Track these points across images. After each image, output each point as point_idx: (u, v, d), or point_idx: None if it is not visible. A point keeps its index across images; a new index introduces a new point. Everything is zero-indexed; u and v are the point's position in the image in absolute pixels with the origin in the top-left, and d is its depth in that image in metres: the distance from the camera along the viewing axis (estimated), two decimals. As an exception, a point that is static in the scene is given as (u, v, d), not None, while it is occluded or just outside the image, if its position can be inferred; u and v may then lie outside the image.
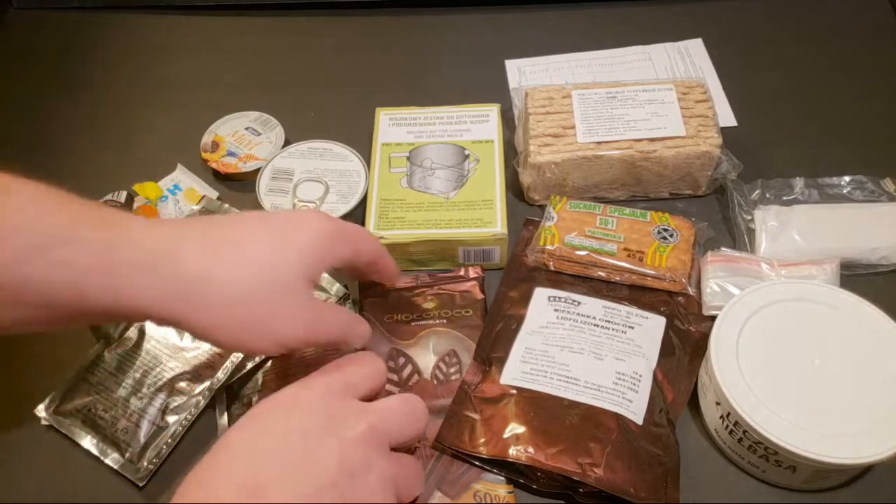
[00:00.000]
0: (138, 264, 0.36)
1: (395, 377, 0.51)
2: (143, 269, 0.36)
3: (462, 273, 0.56)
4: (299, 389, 0.40)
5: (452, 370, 0.51)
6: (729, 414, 0.45)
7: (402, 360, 0.51)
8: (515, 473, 0.47)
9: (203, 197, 0.63)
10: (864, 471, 0.47)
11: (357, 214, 0.59)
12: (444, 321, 0.53)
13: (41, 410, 0.51)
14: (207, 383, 0.51)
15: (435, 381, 0.50)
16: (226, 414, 0.51)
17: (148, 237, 0.37)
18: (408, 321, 0.53)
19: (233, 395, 0.51)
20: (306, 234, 0.40)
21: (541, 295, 0.54)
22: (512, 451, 0.45)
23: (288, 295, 0.39)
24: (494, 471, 0.47)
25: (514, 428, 0.46)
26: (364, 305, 0.54)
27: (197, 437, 0.50)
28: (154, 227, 0.38)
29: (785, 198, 0.60)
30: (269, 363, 0.52)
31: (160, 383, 0.51)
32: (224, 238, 0.39)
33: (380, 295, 0.55)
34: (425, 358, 0.51)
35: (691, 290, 0.54)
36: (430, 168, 0.59)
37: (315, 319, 0.41)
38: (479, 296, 0.55)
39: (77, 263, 0.35)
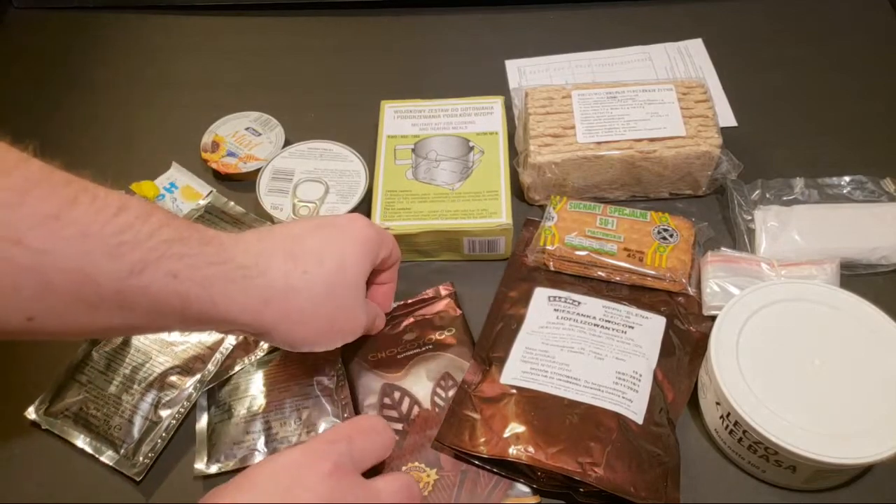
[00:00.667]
0: (232, 278, 0.40)
1: (394, 413, 0.49)
2: (236, 282, 0.40)
3: (432, 294, 0.55)
4: (304, 460, 0.39)
5: (451, 393, 0.50)
6: (729, 414, 0.45)
7: (397, 395, 0.50)
8: (515, 473, 0.47)
9: (211, 192, 0.63)
10: (864, 471, 0.47)
11: (360, 209, 0.60)
12: (430, 347, 0.52)
13: (31, 412, 0.51)
14: (198, 376, 0.51)
15: (436, 409, 0.49)
16: (206, 416, 0.51)
17: (238, 252, 0.41)
18: (393, 355, 0.52)
19: (213, 398, 0.51)
20: (359, 239, 0.45)
21: (541, 295, 0.54)
22: (512, 451, 0.45)
23: (357, 294, 0.45)
24: (494, 470, 0.47)
25: (515, 427, 0.46)
26: (345, 350, 0.52)
27: (191, 430, 0.50)
28: (240, 242, 0.42)
29: (785, 198, 0.60)
30: (258, 372, 0.52)
31: (151, 378, 0.51)
32: (299, 249, 0.43)
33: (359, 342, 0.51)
34: (421, 387, 0.50)
35: (691, 290, 0.54)
36: (435, 160, 0.60)
37: (372, 310, 0.49)
38: (456, 312, 0.54)
39: (182, 276, 0.38)
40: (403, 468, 0.47)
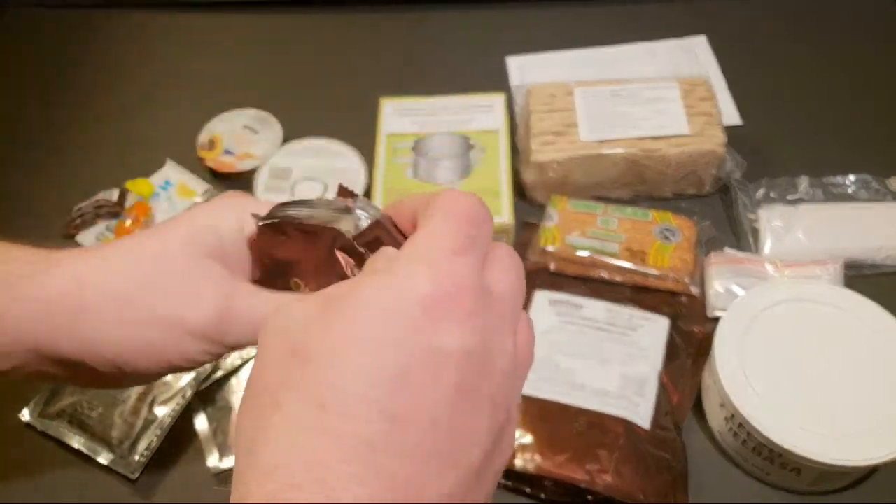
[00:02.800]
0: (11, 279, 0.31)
1: None
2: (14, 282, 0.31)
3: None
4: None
5: None
6: (733, 416, 0.45)
7: None
8: (523, 483, 0.46)
9: (207, 190, 0.62)
10: (869, 472, 0.46)
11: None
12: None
13: (26, 415, 0.50)
14: (193, 374, 0.51)
15: None
16: (203, 415, 0.51)
17: (29, 257, 0.32)
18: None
19: (206, 399, 0.51)
20: (191, 212, 0.34)
21: (541, 298, 0.54)
22: (519, 461, 0.45)
23: (182, 272, 0.32)
24: (501, 481, 0.46)
25: (521, 437, 0.46)
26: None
27: (186, 428, 0.50)
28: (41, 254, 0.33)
29: (789, 197, 0.60)
30: (249, 365, 0.51)
31: None
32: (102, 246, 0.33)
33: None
34: None
35: (694, 290, 0.54)
36: (435, 158, 0.59)
37: (227, 300, 0.32)
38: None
39: None
40: None
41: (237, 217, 0.34)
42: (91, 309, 0.31)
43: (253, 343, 0.32)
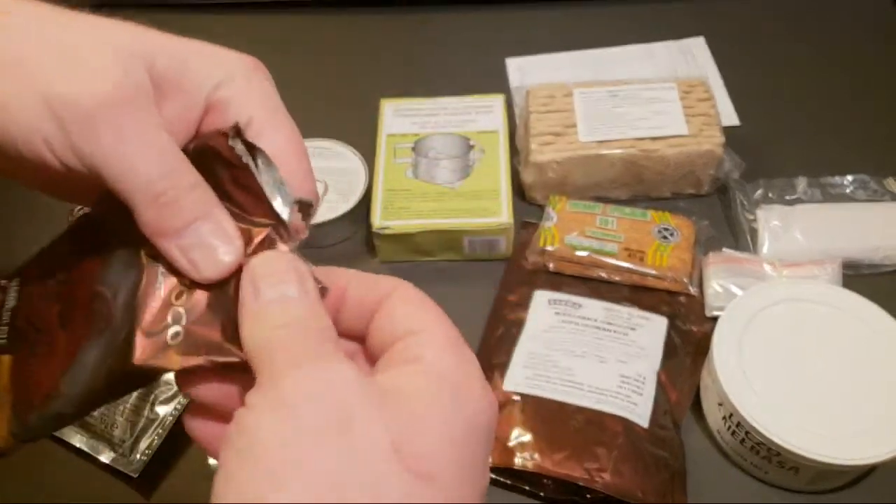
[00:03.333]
0: None
1: None
2: None
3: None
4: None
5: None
6: (731, 415, 0.45)
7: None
8: (522, 481, 0.46)
9: None
10: (867, 472, 0.47)
11: (360, 207, 0.59)
12: None
13: None
14: None
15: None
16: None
17: None
18: None
19: None
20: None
21: (541, 298, 0.54)
22: (518, 460, 0.45)
23: (96, 52, 0.24)
24: (501, 479, 0.46)
25: (520, 435, 0.46)
26: None
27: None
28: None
29: (787, 197, 0.60)
30: None
31: None
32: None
33: None
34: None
35: (692, 290, 0.54)
36: (435, 158, 0.59)
37: (135, 89, 0.24)
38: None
39: None
40: None
41: (238, 84, 0.27)
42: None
43: (111, 172, 0.23)
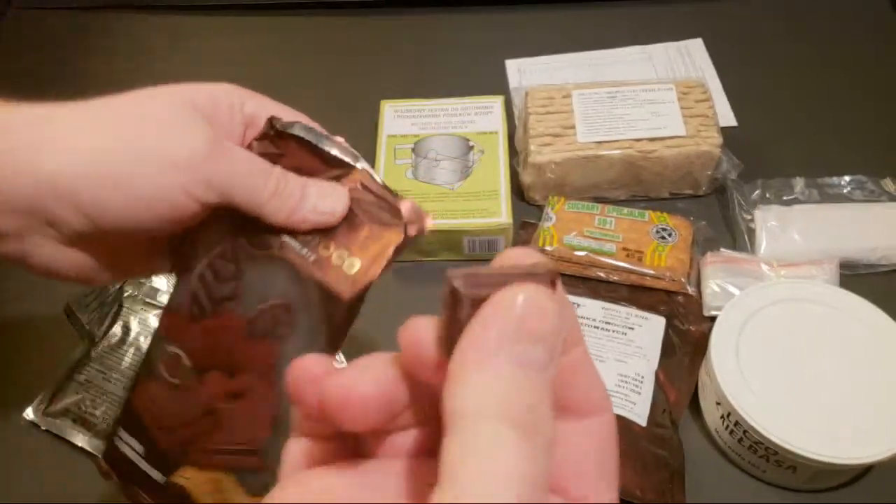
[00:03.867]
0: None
1: (212, 285, 0.35)
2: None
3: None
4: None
5: (278, 330, 0.33)
6: (729, 414, 0.45)
7: (230, 269, 0.34)
8: None
9: None
10: (864, 471, 0.47)
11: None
12: (313, 258, 0.32)
13: (30, 413, 0.51)
14: None
15: (248, 329, 0.33)
16: None
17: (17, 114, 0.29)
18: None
19: None
20: (178, 87, 0.32)
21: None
22: None
23: (179, 108, 0.30)
24: None
25: None
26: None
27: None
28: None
29: (785, 197, 0.60)
30: None
31: None
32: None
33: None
34: (257, 290, 0.33)
35: (690, 290, 0.54)
36: (434, 159, 0.59)
37: (218, 139, 0.30)
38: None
39: None
40: (172, 346, 0.35)
41: (244, 96, 0.34)
42: (59, 138, 0.28)
43: (238, 193, 0.30)
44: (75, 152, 0.28)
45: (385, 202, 0.33)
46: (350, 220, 0.32)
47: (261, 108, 0.34)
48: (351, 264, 0.32)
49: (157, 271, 0.35)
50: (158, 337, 0.35)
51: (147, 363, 0.35)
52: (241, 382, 0.33)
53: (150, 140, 0.29)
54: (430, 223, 0.33)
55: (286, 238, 0.32)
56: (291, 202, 0.31)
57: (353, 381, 0.19)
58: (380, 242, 0.32)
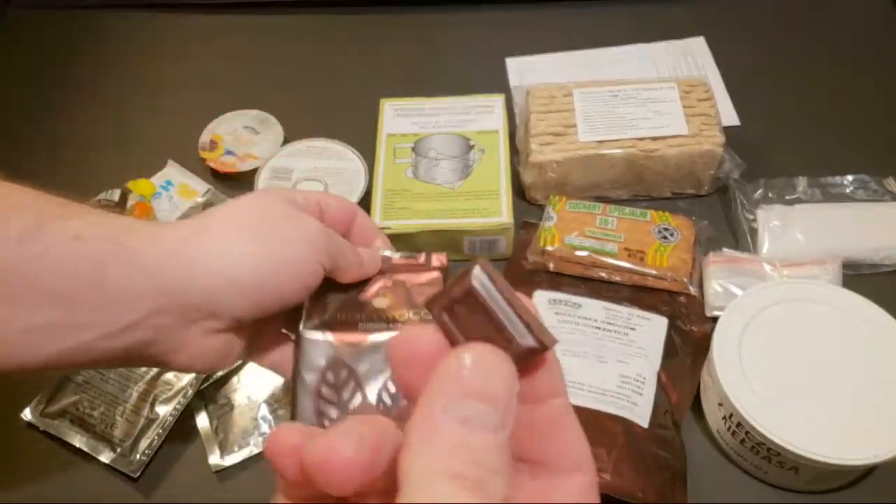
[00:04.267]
0: (144, 231, 0.34)
1: (332, 395, 0.39)
2: (147, 233, 0.34)
3: (422, 260, 0.43)
4: None
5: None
6: (731, 415, 0.45)
7: (343, 374, 0.39)
8: None
9: (209, 189, 0.63)
10: (866, 472, 0.47)
11: (361, 208, 0.59)
12: (400, 326, 0.41)
13: (28, 414, 0.51)
14: (193, 374, 0.51)
15: (380, 406, 0.38)
16: (204, 413, 0.51)
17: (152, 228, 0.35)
18: (354, 323, 0.40)
19: (208, 396, 0.52)
20: (264, 192, 0.40)
21: (541, 298, 0.54)
22: None
23: (294, 215, 0.37)
24: None
25: None
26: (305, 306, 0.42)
27: (187, 427, 0.50)
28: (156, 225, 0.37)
29: (788, 197, 0.60)
30: (246, 366, 0.52)
31: (147, 377, 0.51)
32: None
33: (323, 287, 0.40)
34: (373, 376, 0.39)
35: (693, 290, 0.54)
36: (435, 158, 0.59)
37: (320, 231, 0.38)
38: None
39: (90, 236, 0.31)
40: None
41: (309, 195, 0.41)
42: (217, 242, 0.35)
43: (342, 260, 0.39)
44: (238, 256, 0.35)
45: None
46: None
47: (322, 201, 0.41)
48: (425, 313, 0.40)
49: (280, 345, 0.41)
50: None
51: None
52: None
53: (288, 230, 0.37)
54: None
55: (366, 324, 0.40)
56: (373, 265, 0.42)
57: (334, 445, 0.19)
58: (433, 287, 0.42)
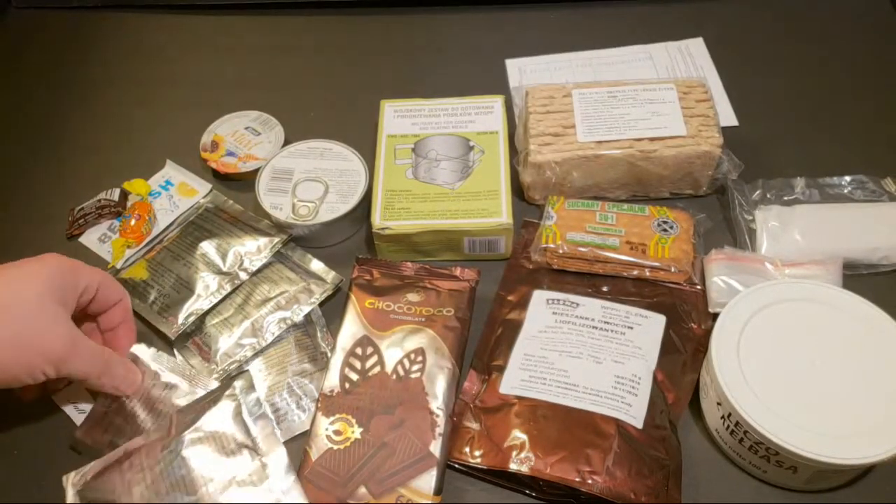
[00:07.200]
0: None
1: (357, 364, 0.51)
2: None
3: (458, 273, 0.55)
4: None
5: (415, 367, 0.50)
6: (730, 414, 0.45)
7: (369, 350, 0.51)
8: (518, 483, 0.47)
9: (211, 189, 0.63)
10: (865, 471, 0.47)
11: (361, 208, 0.60)
12: (423, 319, 0.52)
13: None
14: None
15: (394, 377, 0.50)
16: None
17: None
18: (388, 310, 0.53)
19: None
20: (47, 264, 0.45)
21: (539, 298, 0.54)
22: (513, 463, 0.45)
23: (46, 309, 0.43)
24: (499, 481, 0.47)
25: (515, 438, 0.46)
26: (351, 285, 0.55)
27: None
28: None
29: (786, 198, 0.60)
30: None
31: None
32: None
33: (369, 278, 0.55)
34: (393, 352, 0.51)
35: (696, 279, 0.54)
36: (435, 159, 0.59)
37: (74, 337, 0.44)
38: (465, 298, 0.54)
39: None
40: (332, 417, 0.49)
41: (92, 280, 0.47)
42: None
43: (82, 376, 0.45)
44: None
45: None
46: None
47: (93, 281, 0.47)
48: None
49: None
50: (320, 419, 0.49)
51: (314, 439, 0.48)
52: (399, 412, 0.48)
53: (19, 327, 0.42)
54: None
55: (398, 315, 0.53)
56: (117, 380, 0.48)
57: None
58: (462, 295, 0.55)
